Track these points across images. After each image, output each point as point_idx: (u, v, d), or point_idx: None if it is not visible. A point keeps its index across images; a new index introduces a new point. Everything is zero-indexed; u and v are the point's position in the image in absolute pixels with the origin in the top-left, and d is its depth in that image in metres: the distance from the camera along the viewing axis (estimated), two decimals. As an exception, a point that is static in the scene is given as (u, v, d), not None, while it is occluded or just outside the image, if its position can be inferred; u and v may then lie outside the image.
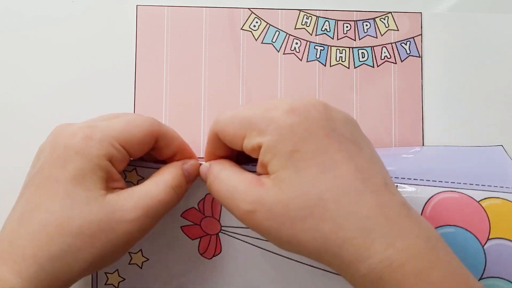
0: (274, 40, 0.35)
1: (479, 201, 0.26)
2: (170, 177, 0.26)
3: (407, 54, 0.35)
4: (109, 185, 0.25)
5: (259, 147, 0.24)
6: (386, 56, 0.35)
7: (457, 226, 0.27)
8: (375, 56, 0.35)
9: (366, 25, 0.36)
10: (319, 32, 0.35)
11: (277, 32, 0.35)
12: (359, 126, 0.25)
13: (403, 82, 0.35)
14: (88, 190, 0.24)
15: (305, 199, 0.22)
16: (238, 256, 0.30)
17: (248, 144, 0.24)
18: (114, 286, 0.31)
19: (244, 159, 0.28)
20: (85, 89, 0.34)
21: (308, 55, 0.35)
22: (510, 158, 0.32)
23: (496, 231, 0.26)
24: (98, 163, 0.24)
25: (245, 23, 0.35)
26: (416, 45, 0.36)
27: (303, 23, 0.36)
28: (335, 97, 0.35)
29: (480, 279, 0.27)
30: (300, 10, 0.36)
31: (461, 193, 0.26)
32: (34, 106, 0.34)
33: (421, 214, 0.28)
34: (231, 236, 0.30)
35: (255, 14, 0.35)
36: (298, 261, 0.30)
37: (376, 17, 0.36)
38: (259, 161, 0.24)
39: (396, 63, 0.35)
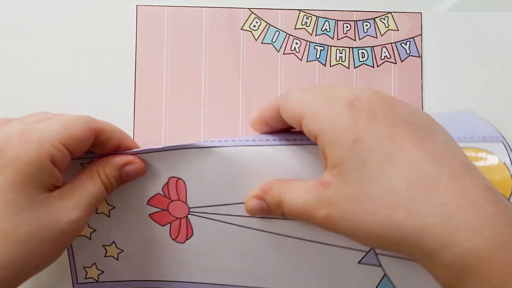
0: (274, 40, 0.35)
1: None
2: (103, 176, 0.26)
3: (407, 54, 0.35)
4: (53, 186, 0.24)
5: (315, 135, 0.23)
6: (386, 56, 0.35)
7: None
8: (375, 56, 0.35)
9: (366, 25, 0.36)
10: (319, 32, 0.35)
11: (277, 32, 0.35)
12: (431, 117, 0.24)
13: (403, 82, 0.35)
14: (31, 195, 0.23)
15: (374, 190, 0.21)
16: (211, 236, 0.30)
17: (305, 126, 0.24)
18: (94, 279, 0.31)
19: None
20: (85, 89, 0.34)
21: (308, 55, 0.35)
22: (478, 116, 0.32)
23: None
24: (39, 167, 0.23)
25: (245, 23, 0.35)
26: (416, 45, 0.36)
27: (303, 23, 0.36)
28: (335, 97, 0.35)
29: None
30: (300, 10, 0.36)
31: None
32: (34, 106, 0.34)
33: None
34: (200, 216, 0.30)
35: (255, 14, 0.35)
36: (273, 233, 0.29)
37: (376, 17, 0.36)
38: (320, 149, 0.23)
39: (396, 63, 0.35)
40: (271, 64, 0.35)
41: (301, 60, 0.35)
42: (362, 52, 0.35)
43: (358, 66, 0.35)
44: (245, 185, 0.28)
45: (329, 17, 0.36)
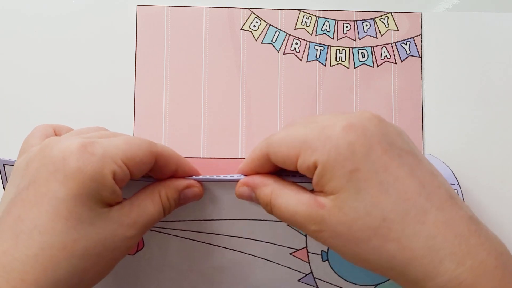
0: (274, 40, 0.35)
1: None
2: (165, 199, 0.26)
3: (407, 54, 0.35)
4: (111, 202, 0.24)
5: (314, 167, 0.23)
6: (386, 56, 0.35)
7: None
8: (375, 56, 0.35)
9: (366, 25, 0.36)
10: (319, 32, 0.35)
11: (277, 32, 0.35)
12: (409, 137, 0.24)
13: (403, 82, 0.35)
14: (91, 210, 0.22)
15: (368, 220, 0.22)
16: (161, 248, 0.30)
17: (302, 164, 0.23)
18: None
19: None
20: (85, 88, 0.34)
21: (308, 55, 0.35)
22: (437, 160, 0.34)
23: None
24: (101, 182, 0.22)
25: (245, 23, 0.35)
26: (416, 45, 0.36)
27: (303, 23, 0.36)
28: (335, 97, 0.35)
29: None
30: (300, 10, 0.36)
31: None
32: (34, 106, 0.34)
33: None
34: (151, 230, 0.30)
35: (255, 14, 0.35)
36: (222, 247, 0.30)
37: (376, 17, 0.36)
38: (315, 181, 0.23)
39: (396, 63, 0.35)
40: (271, 64, 0.35)
41: (301, 60, 0.35)
42: (362, 52, 0.35)
43: (358, 66, 0.35)
44: (202, 204, 0.29)
45: (329, 17, 0.36)
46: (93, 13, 0.35)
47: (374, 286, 0.30)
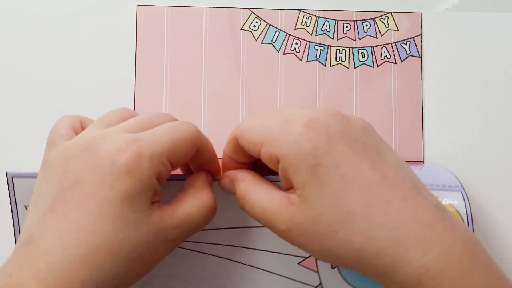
0: (274, 40, 0.35)
1: None
2: (210, 199, 0.26)
3: (407, 54, 0.35)
4: (153, 201, 0.24)
5: (276, 159, 0.23)
6: (386, 56, 0.35)
7: None
8: (375, 56, 0.35)
9: (366, 25, 0.36)
10: (319, 32, 0.35)
11: (277, 32, 0.35)
12: (376, 131, 0.25)
13: (403, 82, 0.35)
14: (137, 212, 0.22)
15: (333, 214, 0.22)
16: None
17: (265, 154, 0.24)
18: None
19: (261, 166, 0.28)
20: (85, 88, 0.34)
21: (308, 55, 0.35)
22: (441, 167, 0.33)
23: None
24: (148, 183, 0.23)
25: (245, 23, 0.35)
26: (416, 45, 0.36)
27: (303, 23, 0.36)
28: (335, 97, 0.35)
29: None
30: (300, 10, 0.36)
31: None
32: (34, 106, 0.34)
33: None
34: None
35: (255, 14, 0.35)
36: (201, 252, 0.30)
37: (376, 17, 0.36)
38: (280, 174, 0.24)
39: (396, 63, 0.35)
40: (271, 64, 0.35)
41: (301, 60, 0.35)
42: (362, 52, 0.35)
43: (358, 66, 0.35)
44: None
45: (329, 17, 0.36)
46: (93, 13, 0.35)
47: None
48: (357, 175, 0.22)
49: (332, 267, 0.30)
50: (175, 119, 0.27)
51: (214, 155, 0.28)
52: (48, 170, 0.24)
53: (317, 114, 0.23)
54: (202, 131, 0.35)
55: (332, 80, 0.35)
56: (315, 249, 0.23)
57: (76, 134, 0.25)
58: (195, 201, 0.25)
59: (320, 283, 0.30)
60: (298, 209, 0.23)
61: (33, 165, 0.34)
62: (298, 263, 0.30)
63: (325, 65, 0.35)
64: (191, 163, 0.28)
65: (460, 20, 0.36)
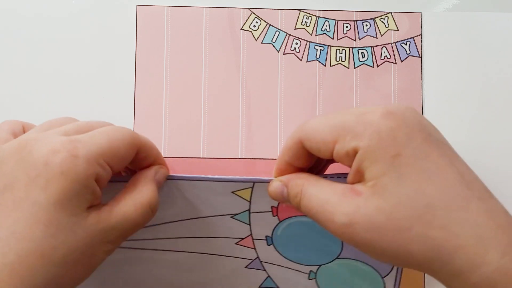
0: (274, 40, 0.35)
1: None
2: (148, 197, 0.25)
3: (407, 54, 0.35)
4: (91, 205, 0.23)
5: (354, 152, 0.22)
6: (386, 56, 0.35)
7: None
8: (375, 56, 0.35)
9: (366, 25, 0.36)
10: (319, 32, 0.35)
11: (277, 32, 0.35)
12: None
13: (403, 82, 0.35)
14: (72, 215, 0.21)
15: (411, 207, 0.21)
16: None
17: (341, 149, 0.23)
18: None
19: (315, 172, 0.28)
20: (85, 89, 0.34)
21: (308, 55, 0.35)
22: None
23: None
24: (84, 185, 0.22)
25: (245, 23, 0.35)
26: (416, 45, 0.36)
27: (303, 23, 0.36)
28: (335, 97, 0.35)
29: (337, 258, 0.30)
30: (300, 10, 0.36)
31: None
32: (34, 106, 0.34)
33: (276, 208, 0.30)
34: None
35: (255, 14, 0.35)
36: (166, 250, 0.31)
37: (376, 17, 0.36)
38: (354, 167, 0.23)
39: (396, 63, 0.35)
40: (271, 64, 0.35)
41: (301, 60, 0.35)
42: (362, 52, 0.35)
43: (358, 66, 0.35)
44: None
45: (329, 17, 0.36)
46: (93, 13, 0.35)
47: (318, 266, 0.31)
48: (436, 169, 0.22)
49: (268, 244, 0.30)
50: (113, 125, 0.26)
51: (158, 156, 0.27)
52: None
53: (392, 106, 0.23)
54: (202, 131, 0.35)
55: (332, 80, 0.35)
56: (381, 246, 0.22)
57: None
58: (131, 199, 0.24)
59: (257, 257, 0.31)
60: (367, 200, 0.22)
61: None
62: (236, 243, 0.31)
63: (325, 65, 0.35)
64: (137, 168, 0.27)
65: (460, 20, 0.36)
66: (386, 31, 0.36)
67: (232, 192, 0.29)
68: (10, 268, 0.20)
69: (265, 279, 0.32)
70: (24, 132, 0.26)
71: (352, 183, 0.23)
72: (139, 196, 0.24)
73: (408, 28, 0.36)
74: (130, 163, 0.26)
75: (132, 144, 0.24)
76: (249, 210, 0.29)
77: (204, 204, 0.29)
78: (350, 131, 0.22)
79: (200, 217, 0.30)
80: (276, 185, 0.26)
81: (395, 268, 0.30)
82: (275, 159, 0.34)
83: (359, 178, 0.23)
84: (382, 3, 0.36)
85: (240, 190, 0.29)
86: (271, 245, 0.31)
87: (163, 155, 0.34)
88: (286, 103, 0.35)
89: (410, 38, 0.36)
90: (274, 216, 0.30)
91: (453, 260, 0.21)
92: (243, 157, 0.34)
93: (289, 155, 0.26)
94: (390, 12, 0.36)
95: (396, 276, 0.30)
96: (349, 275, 0.31)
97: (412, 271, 0.34)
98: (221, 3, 0.35)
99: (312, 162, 0.26)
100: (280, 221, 0.30)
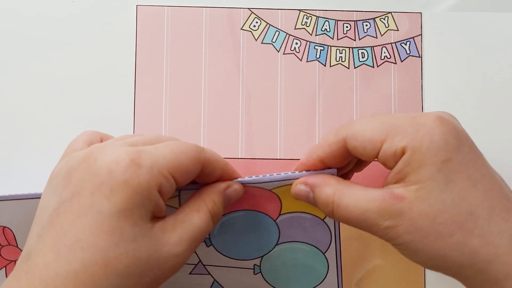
0: (274, 40, 0.35)
1: (271, 189, 0.28)
2: (211, 205, 0.25)
3: (407, 54, 0.35)
4: (155, 216, 0.23)
5: (402, 153, 0.22)
6: (386, 56, 0.35)
7: (248, 210, 0.29)
8: (375, 56, 0.35)
9: (366, 25, 0.36)
10: (319, 32, 0.35)
11: (277, 32, 0.35)
12: None
13: (403, 82, 0.35)
14: (135, 225, 0.21)
15: (455, 213, 0.21)
16: None
17: (389, 148, 0.23)
18: None
19: None
20: (85, 89, 0.34)
21: (308, 55, 0.35)
22: None
23: (287, 208, 0.29)
24: (147, 196, 0.21)
25: (245, 23, 0.35)
26: (416, 45, 0.36)
27: (303, 23, 0.35)
28: (335, 97, 0.35)
29: (277, 244, 0.30)
30: (300, 10, 0.36)
31: (253, 187, 0.28)
32: (34, 106, 0.34)
33: None
34: None
35: (255, 14, 0.35)
36: None
37: (376, 17, 0.36)
38: (399, 168, 0.23)
39: (396, 63, 0.35)
40: (271, 64, 0.35)
41: (301, 60, 0.35)
42: (362, 52, 0.35)
43: (358, 66, 0.35)
44: None
45: (329, 17, 0.36)
46: (93, 13, 0.35)
47: (260, 258, 0.30)
48: (481, 178, 0.22)
49: (208, 246, 0.30)
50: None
51: (225, 165, 0.27)
52: (52, 182, 0.23)
53: (442, 113, 0.23)
54: (202, 131, 0.35)
55: (332, 80, 0.35)
56: (422, 249, 0.22)
57: None
58: (195, 206, 0.24)
59: (200, 261, 0.30)
60: (411, 205, 0.22)
61: (34, 163, 0.34)
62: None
63: (325, 65, 0.35)
64: (207, 181, 0.26)
65: (460, 20, 0.36)
66: (386, 31, 0.36)
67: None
68: (75, 277, 0.20)
69: (212, 284, 0.31)
70: (101, 142, 0.26)
71: (389, 183, 0.23)
72: (203, 203, 0.24)
73: (408, 28, 0.36)
74: (198, 178, 0.26)
75: (197, 159, 0.24)
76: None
77: None
78: (402, 131, 0.23)
79: None
80: (300, 189, 0.26)
81: (333, 241, 0.29)
82: (275, 159, 0.34)
83: (399, 179, 0.23)
84: (382, 3, 0.36)
85: (169, 199, 0.28)
86: (211, 246, 0.30)
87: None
88: (286, 103, 0.35)
89: (410, 38, 0.36)
90: None
91: (489, 267, 0.21)
92: (243, 157, 0.34)
93: (326, 151, 0.25)
94: (390, 12, 0.36)
95: (336, 249, 0.30)
96: (292, 258, 0.30)
97: (412, 270, 0.34)
98: (221, 3, 0.35)
99: (344, 163, 0.26)
100: None
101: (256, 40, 0.35)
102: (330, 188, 0.25)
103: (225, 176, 0.26)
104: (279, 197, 0.28)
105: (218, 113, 0.35)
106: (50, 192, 0.23)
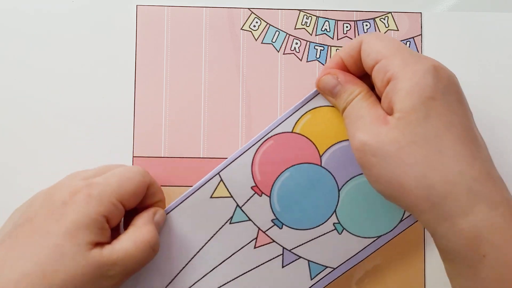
0: (274, 40, 0.35)
1: (292, 131, 0.28)
2: (149, 236, 0.27)
3: (407, 54, 0.35)
4: (98, 240, 0.25)
5: (390, 78, 0.24)
6: (386, 56, 0.35)
7: (290, 167, 0.28)
8: (375, 56, 0.35)
9: (366, 25, 0.36)
10: (319, 32, 0.35)
11: (277, 32, 0.35)
12: None
13: (403, 82, 0.35)
14: (77, 245, 0.24)
15: (423, 147, 0.23)
16: None
17: (386, 66, 0.25)
18: None
19: None
20: (85, 89, 0.34)
21: (308, 55, 0.35)
22: None
23: (321, 145, 0.28)
24: (94, 219, 0.25)
25: (245, 23, 0.35)
26: (416, 45, 0.36)
27: (303, 23, 0.36)
28: (335, 97, 0.35)
29: (339, 191, 0.29)
30: (300, 10, 0.36)
31: (274, 135, 0.28)
32: (34, 104, 0.34)
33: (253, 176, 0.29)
34: None
35: (255, 14, 0.35)
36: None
37: (376, 17, 0.36)
38: (385, 95, 0.25)
39: (396, 63, 0.35)
40: (271, 64, 0.35)
41: (301, 60, 0.35)
42: (362, 52, 0.35)
43: (358, 66, 0.35)
44: None
45: (329, 17, 0.36)
46: (93, 13, 0.35)
47: (334, 213, 0.29)
48: (459, 124, 0.24)
49: (280, 228, 0.29)
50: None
51: (163, 196, 0.30)
52: (14, 214, 0.27)
53: (444, 66, 0.25)
54: (202, 131, 0.35)
55: (332, 80, 0.35)
56: (382, 173, 0.24)
57: None
58: (133, 237, 0.26)
59: (283, 248, 0.29)
60: (389, 131, 0.24)
61: (34, 161, 0.34)
62: (254, 248, 0.29)
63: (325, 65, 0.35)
64: (143, 204, 0.30)
65: (460, 20, 0.36)
66: (386, 31, 0.36)
67: (211, 197, 0.29)
68: (15, 283, 0.23)
69: (309, 266, 0.29)
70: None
71: (382, 106, 0.25)
72: (140, 234, 0.27)
73: (408, 28, 0.36)
74: (144, 199, 0.29)
75: (142, 181, 0.28)
76: (237, 205, 0.29)
77: (200, 226, 0.29)
78: (403, 57, 0.24)
79: (204, 245, 0.29)
80: (329, 80, 0.28)
81: None
82: (275, 159, 0.34)
83: (389, 105, 0.25)
84: (382, 3, 0.36)
85: (214, 190, 0.28)
86: (283, 227, 0.29)
87: (163, 155, 0.34)
88: (286, 103, 0.35)
89: (410, 38, 0.36)
90: (260, 196, 0.29)
91: (444, 203, 0.22)
92: (243, 157, 0.34)
93: (345, 50, 0.28)
94: (390, 12, 0.36)
95: None
96: (363, 197, 0.29)
97: (412, 270, 0.34)
98: (221, 3, 0.35)
99: (360, 66, 0.28)
100: (269, 196, 0.29)
101: (256, 40, 0.35)
102: (358, 88, 0.27)
103: (162, 203, 0.30)
104: (307, 137, 0.28)
105: (218, 113, 0.35)
106: (8, 220, 0.27)
